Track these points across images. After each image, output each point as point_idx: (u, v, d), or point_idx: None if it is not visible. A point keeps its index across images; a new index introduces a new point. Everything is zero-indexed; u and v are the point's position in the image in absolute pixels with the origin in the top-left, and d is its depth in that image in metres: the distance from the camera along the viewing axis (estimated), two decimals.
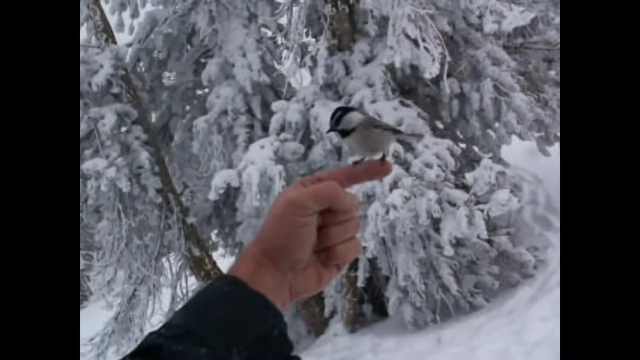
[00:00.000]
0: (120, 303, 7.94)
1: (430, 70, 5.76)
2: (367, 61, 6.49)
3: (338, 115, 0.78)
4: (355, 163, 0.75)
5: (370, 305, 7.31)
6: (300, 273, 0.69)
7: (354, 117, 0.78)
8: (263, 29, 7.34)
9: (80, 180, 6.98)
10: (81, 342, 7.70)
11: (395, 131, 0.80)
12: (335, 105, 5.67)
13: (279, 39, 7.47)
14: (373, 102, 6.23)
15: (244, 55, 6.89)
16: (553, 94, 6.93)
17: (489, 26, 6.03)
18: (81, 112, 7.00)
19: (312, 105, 6.38)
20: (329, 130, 0.79)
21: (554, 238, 6.65)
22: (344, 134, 0.77)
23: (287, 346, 0.64)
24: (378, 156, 0.76)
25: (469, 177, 5.81)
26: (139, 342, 0.63)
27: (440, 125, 7.08)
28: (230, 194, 7.12)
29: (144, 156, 7.12)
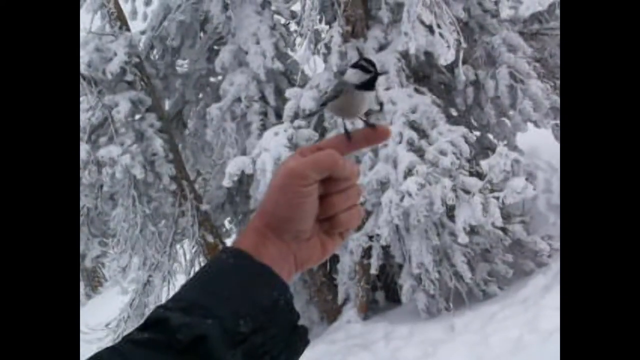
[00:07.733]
0: (135, 289, 8.02)
1: (445, 57, 5.71)
2: (381, 48, 6.44)
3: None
4: (347, 133, 0.75)
5: (383, 293, 7.31)
6: (304, 243, 0.69)
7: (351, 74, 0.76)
8: (276, 16, 7.30)
9: (95, 167, 7.04)
10: (97, 327, 7.81)
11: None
12: None
13: (293, 26, 7.43)
14: (387, 89, 6.19)
15: (258, 43, 6.87)
16: None
17: (506, 12, 5.95)
18: (96, 99, 7.05)
19: (326, 92, 6.36)
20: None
21: None
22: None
23: (294, 316, 0.65)
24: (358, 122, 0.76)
25: (483, 164, 5.77)
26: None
27: (454, 113, 7.02)
28: (244, 181, 7.13)
29: (158, 143, 7.16)
